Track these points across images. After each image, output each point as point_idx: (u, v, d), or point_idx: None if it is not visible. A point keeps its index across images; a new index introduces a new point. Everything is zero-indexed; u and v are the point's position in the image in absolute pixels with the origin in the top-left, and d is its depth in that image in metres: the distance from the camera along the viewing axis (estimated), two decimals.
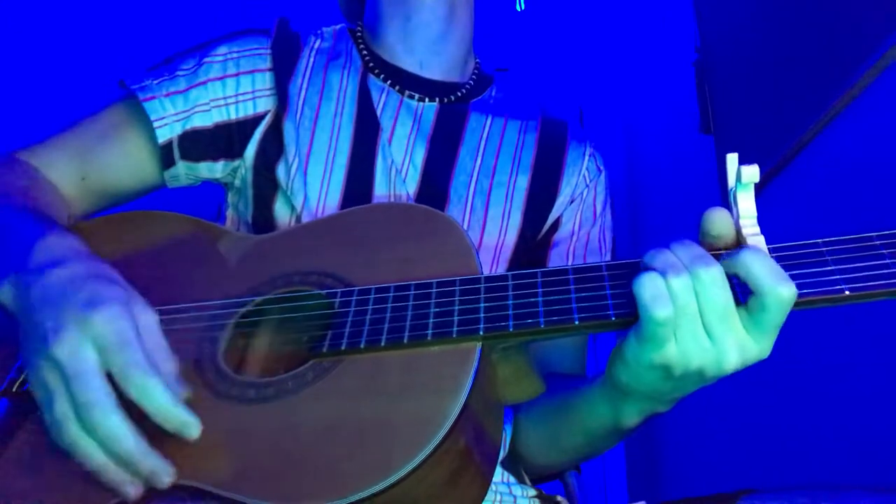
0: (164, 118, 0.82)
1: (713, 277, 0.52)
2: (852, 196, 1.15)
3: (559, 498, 0.80)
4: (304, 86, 0.86)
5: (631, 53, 2.54)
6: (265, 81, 0.85)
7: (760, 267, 0.51)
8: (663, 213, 2.14)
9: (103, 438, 0.51)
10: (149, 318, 0.56)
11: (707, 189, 1.69)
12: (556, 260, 0.88)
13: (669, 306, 0.51)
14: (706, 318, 0.52)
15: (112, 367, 0.52)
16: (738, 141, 1.55)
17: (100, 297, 0.54)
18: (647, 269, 0.53)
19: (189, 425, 0.53)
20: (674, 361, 0.53)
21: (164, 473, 0.53)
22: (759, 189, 1.38)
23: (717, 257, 0.54)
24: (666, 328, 0.52)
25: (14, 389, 0.61)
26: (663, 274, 0.52)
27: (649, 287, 0.52)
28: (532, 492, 0.78)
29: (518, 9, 2.37)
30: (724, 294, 0.52)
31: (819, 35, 1.24)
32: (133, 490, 0.53)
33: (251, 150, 0.84)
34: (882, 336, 1.07)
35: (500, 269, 0.85)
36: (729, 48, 1.65)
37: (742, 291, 0.52)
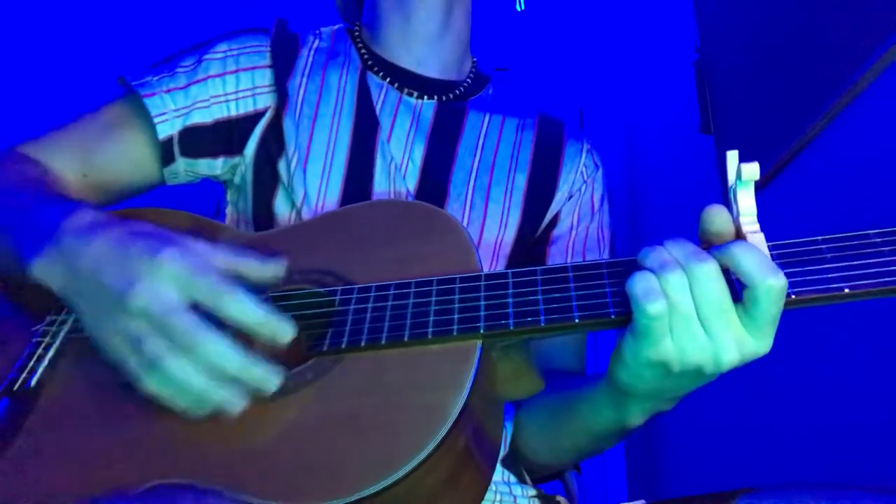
0: (164, 114, 0.82)
1: (707, 272, 0.51)
2: (852, 196, 1.15)
3: (559, 498, 0.80)
4: (304, 84, 0.86)
5: (631, 53, 2.54)
6: (265, 78, 0.85)
7: (749, 259, 0.51)
8: (663, 212, 2.15)
9: (211, 359, 0.53)
10: (205, 248, 0.58)
11: (707, 189, 1.70)
12: (554, 256, 0.88)
13: (661, 300, 0.51)
14: (702, 314, 0.52)
15: (197, 295, 0.54)
16: (738, 141, 1.55)
17: (156, 244, 0.56)
18: (641, 267, 0.53)
19: (285, 330, 0.55)
20: (671, 358, 0.53)
21: (274, 378, 0.55)
22: (760, 189, 1.38)
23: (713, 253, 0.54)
24: (659, 322, 0.52)
25: (14, 389, 0.61)
26: (656, 271, 0.52)
27: (640, 283, 0.52)
28: (532, 491, 0.78)
29: (518, 9, 2.38)
30: (720, 288, 0.52)
31: (819, 35, 1.24)
32: (241, 405, 0.54)
33: (251, 147, 0.84)
34: (882, 335, 1.07)
35: (499, 266, 0.85)
36: (729, 48, 1.65)
37: (740, 287, 0.52)
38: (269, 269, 0.61)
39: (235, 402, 0.55)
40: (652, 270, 0.52)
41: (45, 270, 0.59)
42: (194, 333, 0.53)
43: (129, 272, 0.55)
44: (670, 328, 0.52)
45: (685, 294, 0.51)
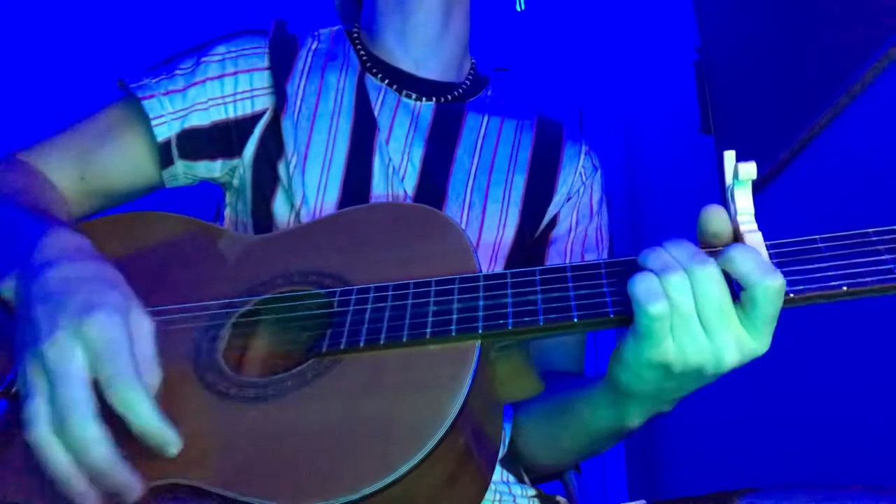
0: (162, 116, 0.82)
1: (708, 274, 0.52)
2: (852, 196, 1.15)
3: (559, 498, 0.80)
4: (302, 85, 0.86)
5: (631, 53, 2.54)
6: (263, 80, 0.86)
7: (747, 261, 0.51)
8: (663, 212, 2.15)
9: (76, 443, 0.50)
10: (144, 327, 0.55)
11: (707, 189, 1.70)
12: (553, 257, 0.89)
13: (663, 301, 0.51)
14: (703, 315, 0.52)
15: (100, 374, 0.51)
16: (738, 141, 1.55)
17: (97, 301, 0.53)
18: (643, 268, 0.53)
19: (170, 443, 0.52)
20: (672, 359, 0.53)
21: (133, 489, 0.51)
22: (759, 189, 1.38)
23: (712, 255, 0.54)
24: (660, 323, 0.52)
25: (13, 390, 0.61)
26: (658, 272, 0.52)
27: (642, 284, 0.52)
28: (532, 491, 0.78)
29: (518, 9, 2.38)
30: (721, 290, 0.52)
31: (819, 35, 1.24)
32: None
33: (250, 149, 0.84)
34: (881, 335, 1.07)
35: (498, 267, 0.85)
36: (729, 48, 1.65)
37: (738, 289, 0.52)
38: (166, 435, 0.53)
39: (87, 501, 0.51)
40: (653, 272, 0.52)
41: (8, 291, 0.58)
42: (72, 409, 0.50)
43: (57, 318, 0.52)
44: (671, 329, 0.52)
45: (687, 295, 0.51)
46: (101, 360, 0.51)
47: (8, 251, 0.61)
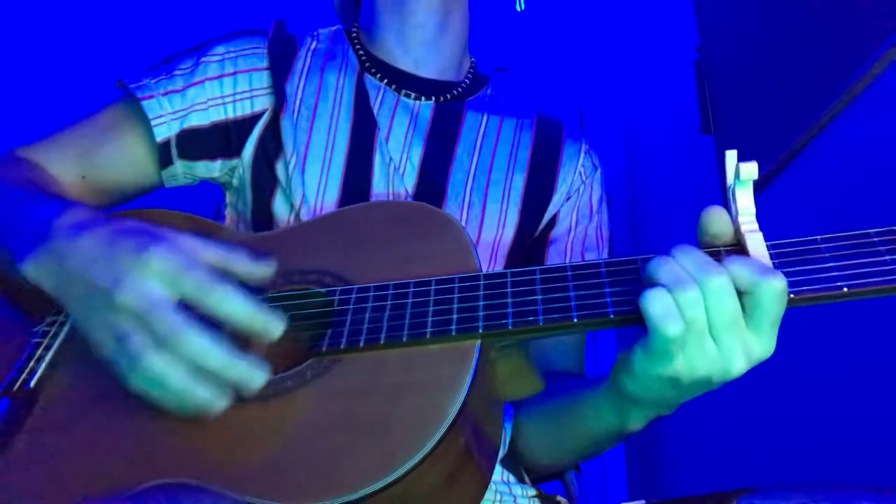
0: (161, 116, 0.82)
1: (721, 287, 0.51)
2: (852, 196, 1.15)
3: (559, 498, 0.80)
4: (301, 85, 0.86)
5: (631, 53, 2.54)
6: (262, 80, 0.86)
7: (746, 269, 0.51)
8: (663, 212, 2.15)
9: (192, 355, 0.52)
10: (194, 244, 0.57)
11: (707, 189, 1.70)
12: (553, 256, 0.88)
13: (681, 323, 0.51)
14: (714, 330, 0.51)
15: (185, 291, 0.54)
16: (738, 141, 1.55)
17: (146, 242, 0.55)
18: (653, 282, 0.53)
19: (274, 324, 0.55)
20: (682, 373, 0.53)
21: (257, 375, 0.54)
22: (760, 189, 1.38)
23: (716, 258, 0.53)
24: (676, 344, 0.51)
25: (14, 390, 0.61)
26: (670, 288, 0.51)
27: (658, 304, 0.51)
28: (532, 491, 0.78)
29: (518, 9, 2.38)
30: (733, 302, 0.51)
31: (819, 35, 1.24)
32: (224, 403, 0.54)
33: (249, 149, 0.84)
34: (882, 335, 1.07)
35: (498, 266, 0.85)
36: (729, 48, 1.65)
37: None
38: (259, 267, 0.60)
39: (215, 402, 0.54)
40: (665, 286, 0.51)
41: (37, 270, 0.59)
42: (176, 330, 0.52)
43: (117, 269, 0.55)
44: (683, 345, 0.52)
45: (700, 311, 0.51)
46: (180, 279, 0.54)
47: (21, 235, 0.62)
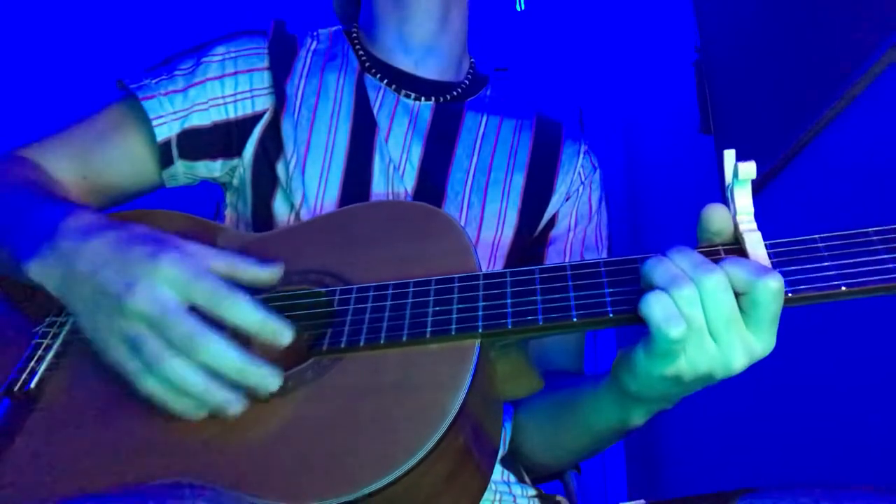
0: (162, 116, 0.82)
1: (717, 283, 0.51)
2: (852, 196, 1.16)
3: (559, 497, 0.80)
4: (301, 86, 0.86)
5: (631, 53, 2.54)
6: (263, 80, 0.86)
7: (742, 269, 0.51)
8: (663, 212, 2.15)
9: (210, 359, 0.53)
10: (202, 251, 0.58)
11: (707, 189, 1.70)
12: (553, 257, 0.89)
13: (683, 324, 0.51)
14: (713, 327, 0.52)
15: (196, 298, 0.55)
16: (738, 141, 1.55)
17: (154, 247, 0.56)
18: (650, 284, 0.53)
19: (284, 332, 0.56)
20: (684, 371, 0.54)
21: (272, 379, 0.55)
22: (759, 189, 1.38)
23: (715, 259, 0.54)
24: (679, 344, 0.52)
25: (14, 390, 0.61)
26: (668, 288, 0.52)
27: (659, 308, 0.51)
28: (532, 491, 0.78)
29: (518, 9, 2.38)
30: (729, 298, 0.51)
31: (819, 35, 1.24)
32: (240, 406, 0.55)
33: (250, 149, 0.84)
34: (881, 335, 1.07)
35: (497, 266, 0.85)
36: (729, 48, 1.65)
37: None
38: (266, 272, 0.61)
39: (234, 403, 0.55)
40: (662, 287, 0.52)
41: (42, 271, 0.59)
42: (194, 334, 0.53)
43: (128, 274, 0.55)
44: (684, 345, 0.52)
45: (697, 308, 0.51)
46: (190, 286, 0.55)
47: (26, 235, 0.62)
